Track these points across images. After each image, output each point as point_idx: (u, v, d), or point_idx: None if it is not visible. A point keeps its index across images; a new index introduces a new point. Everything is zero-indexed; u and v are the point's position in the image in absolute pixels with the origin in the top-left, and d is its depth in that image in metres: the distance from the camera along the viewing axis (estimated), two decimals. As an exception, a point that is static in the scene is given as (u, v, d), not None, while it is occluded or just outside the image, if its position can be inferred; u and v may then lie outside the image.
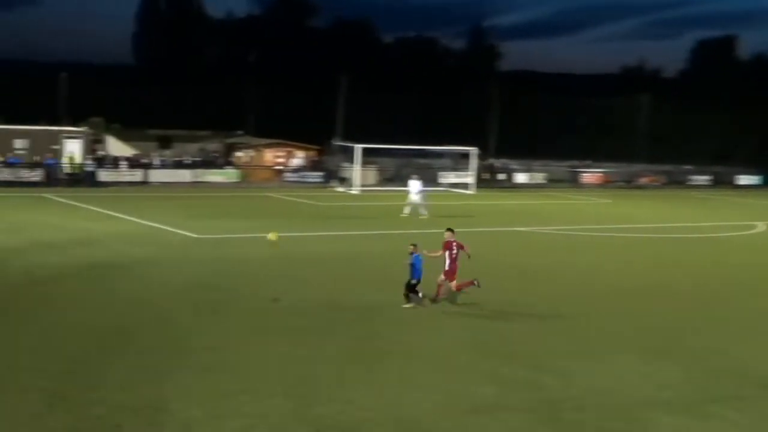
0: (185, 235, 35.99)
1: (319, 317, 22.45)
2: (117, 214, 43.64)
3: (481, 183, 71.61)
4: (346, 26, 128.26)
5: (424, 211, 46.97)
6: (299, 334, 20.65)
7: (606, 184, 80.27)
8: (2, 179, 57.38)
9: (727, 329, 23.31)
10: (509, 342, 20.81)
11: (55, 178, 59.20)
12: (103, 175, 60.91)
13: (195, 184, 62.88)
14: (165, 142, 70.05)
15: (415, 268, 23.62)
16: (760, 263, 35.74)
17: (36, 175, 58.41)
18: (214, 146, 72.35)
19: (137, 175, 62.21)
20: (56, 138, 61.83)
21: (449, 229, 25.04)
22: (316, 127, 78.36)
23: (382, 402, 16.10)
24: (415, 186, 48.73)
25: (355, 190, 63.21)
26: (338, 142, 69.87)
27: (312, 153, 75.24)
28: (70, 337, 19.73)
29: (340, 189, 64.98)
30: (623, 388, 17.55)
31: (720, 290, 29.30)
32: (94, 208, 46.15)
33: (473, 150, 69.62)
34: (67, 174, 60.49)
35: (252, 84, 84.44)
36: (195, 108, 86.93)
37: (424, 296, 23.94)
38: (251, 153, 74.00)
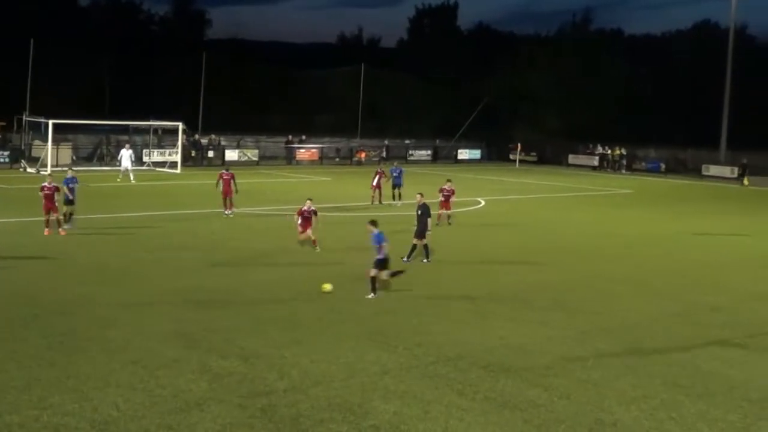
0: None
1: (10, 315, 21.91)
2: None
3: (188, 161, 71.33)
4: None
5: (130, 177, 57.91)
6: (-16, 334, 20.08)
7: (322, 161, 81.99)
8: None
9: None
10: (217, 332, 20.98)
11: None
12: None
13: None
14: None
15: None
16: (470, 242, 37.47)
17: None
18: None
19: None
20: None
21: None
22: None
23: (80, 405, 15.88)
24: (126, 155, 59.27)
25: (47, 171, 61.29)
26: (27, 117, 67.48)
27: (-5, 130, 72.34)
28: None
29: (31, 170, 62.91)
30: (342, 376, 18.08)
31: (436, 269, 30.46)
32: None
33: (179, 125, 69.11)
34: None
35: None
36: None
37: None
38: None
